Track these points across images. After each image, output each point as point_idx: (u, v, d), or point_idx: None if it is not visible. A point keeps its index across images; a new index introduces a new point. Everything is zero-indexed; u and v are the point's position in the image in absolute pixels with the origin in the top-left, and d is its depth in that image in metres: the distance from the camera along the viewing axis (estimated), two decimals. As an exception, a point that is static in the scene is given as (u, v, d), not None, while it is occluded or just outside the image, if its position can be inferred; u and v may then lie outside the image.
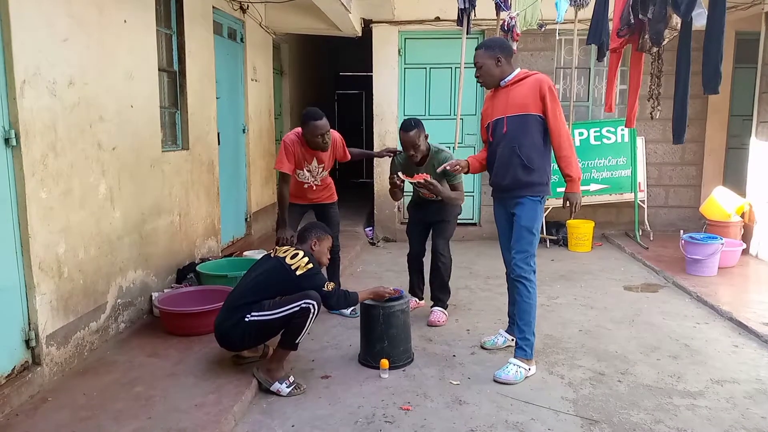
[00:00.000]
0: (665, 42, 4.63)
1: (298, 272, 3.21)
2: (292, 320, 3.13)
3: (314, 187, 4.43)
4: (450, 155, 4.17)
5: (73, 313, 3.39)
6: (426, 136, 4.13)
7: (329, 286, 3.28)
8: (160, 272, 4.47)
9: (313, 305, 3.13)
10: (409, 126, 4.04)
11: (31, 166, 3.01)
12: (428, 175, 3.97)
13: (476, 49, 3.52)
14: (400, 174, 4.05)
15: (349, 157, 4.56)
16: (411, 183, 4.08)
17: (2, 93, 2.88)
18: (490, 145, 3.62)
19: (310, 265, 3.25)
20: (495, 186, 3.66)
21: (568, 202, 3.49)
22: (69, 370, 3.34)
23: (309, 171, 4.33)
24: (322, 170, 4.39)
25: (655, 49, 4.77)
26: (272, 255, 3.39)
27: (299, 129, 4.25)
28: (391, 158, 4.54)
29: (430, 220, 4.45)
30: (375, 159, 7.52)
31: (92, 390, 3.12)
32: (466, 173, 3.77)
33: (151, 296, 4.25)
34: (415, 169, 4.19)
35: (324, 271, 3.65)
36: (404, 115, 7.45)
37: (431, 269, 4.44)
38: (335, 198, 4.62)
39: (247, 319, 3.16)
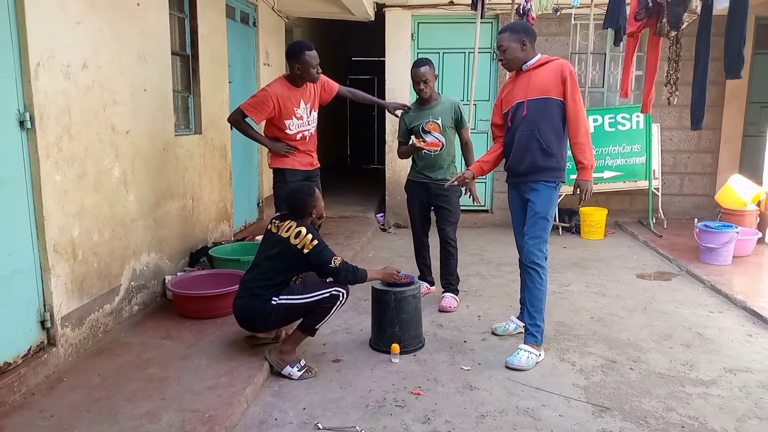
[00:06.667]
0: (684, 26, 4.57)
1: (305, 251, 3.21)
2: (319, 305, 3.17)
3: (308, 138, 4.20)
4: (460, 103, 4.38)
5: (87, 295, 3.43)
6: (435, 76, 4.28)
7: (336, 261, 3.27)
8: (174, 255, 4.50)
9: (342, 293, 3.20)
10: (422, 62, 4.25)
11: (45, 149, 3.03)
12: (439, 144, 4.26)
13: (500, 33, 3.51)
14: (413, 138, 4.30)
15: (336, 88, 4.41)
16: (425, 148, 4.25)
17: (17, 76, 2.89)
18: (508, 130, 3.59)
19: (315, 242, 3.23)
20: (511, 171, 3.63)
21: (578, 189, 3.48)
22: (84, 351, 3.38)
23: (297, 117, 4.10)
24: (311, 110, 4.20)
25: (673, 33, 4.71)
26: (274, 231, 3.34)
27: (280, 77, 4.10)
28: (399, 116, 4.50)
29: (430, 201, 4.43)
30: (386, 144, 7.52)
31: (106, 371, 3.16)
32: (473, 178, 3.78)
33: (164, 279, 4.29)
34: (425, 116, 4.30)
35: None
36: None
37: (441, 257, 4.43)
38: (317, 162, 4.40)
39: (274, 302, 3.19)
